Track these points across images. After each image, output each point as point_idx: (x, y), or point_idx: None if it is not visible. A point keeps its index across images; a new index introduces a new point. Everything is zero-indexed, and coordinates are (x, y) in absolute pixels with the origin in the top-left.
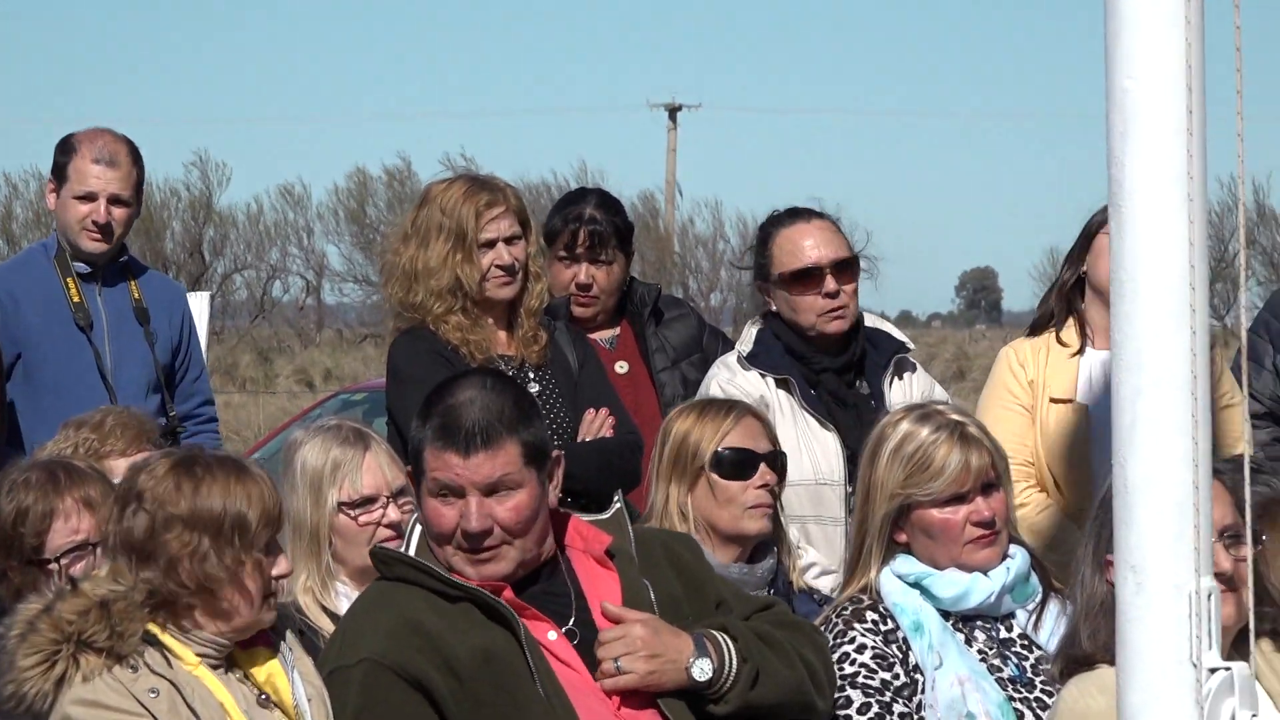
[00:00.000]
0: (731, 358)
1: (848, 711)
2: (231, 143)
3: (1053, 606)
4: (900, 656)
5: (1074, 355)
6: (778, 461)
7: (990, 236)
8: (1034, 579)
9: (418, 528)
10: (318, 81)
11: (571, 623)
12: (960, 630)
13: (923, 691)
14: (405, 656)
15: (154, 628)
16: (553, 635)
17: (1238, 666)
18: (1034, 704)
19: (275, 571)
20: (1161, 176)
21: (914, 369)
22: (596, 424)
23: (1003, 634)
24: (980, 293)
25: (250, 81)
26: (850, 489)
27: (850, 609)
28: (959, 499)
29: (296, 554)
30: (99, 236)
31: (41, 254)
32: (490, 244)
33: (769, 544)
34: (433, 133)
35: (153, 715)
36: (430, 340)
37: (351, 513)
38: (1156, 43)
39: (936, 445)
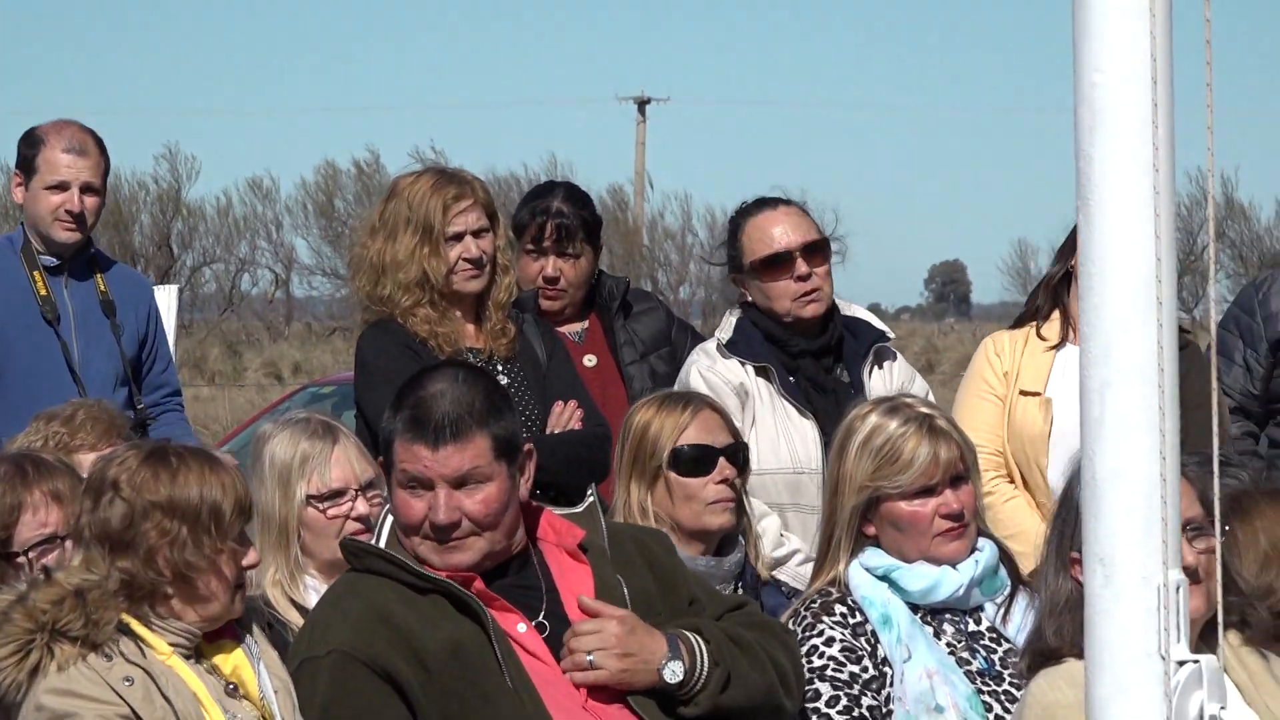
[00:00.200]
0: (711, 345)
1: (816, 704)
2: (200, 136)
3: (1021, 599)
4: (869, 649)
5: (1050, 349)
6: (738, 455)
7: (959, 230)
8: (1002, 572)
9: (389, 520)
10: (287, 74)
11: (541, 615)
12: (929, 623)
13: (891, 684)
14: (374, 648)
15: (127, 617)
16: (522, 628)
17: (1206, 659)
18: (1002, 697)
19: (245, 562)
20: (1128, 169)
21: (894, 358)
22: (565, 416)
23: (971, 627)
24: (949, 286)
25: (219, 74)
26: None
27: (819, 602)
28: (928, 491)
29: (265, 547)
30: (73, 225)
31: (7, 247)
32: (458, 237)
33: (737, 536)
34: (401, 126)
35: (128, 704)
36: (398, 333)
37: (320, 506)
38: (1124, 37)
39: (905, 438)
